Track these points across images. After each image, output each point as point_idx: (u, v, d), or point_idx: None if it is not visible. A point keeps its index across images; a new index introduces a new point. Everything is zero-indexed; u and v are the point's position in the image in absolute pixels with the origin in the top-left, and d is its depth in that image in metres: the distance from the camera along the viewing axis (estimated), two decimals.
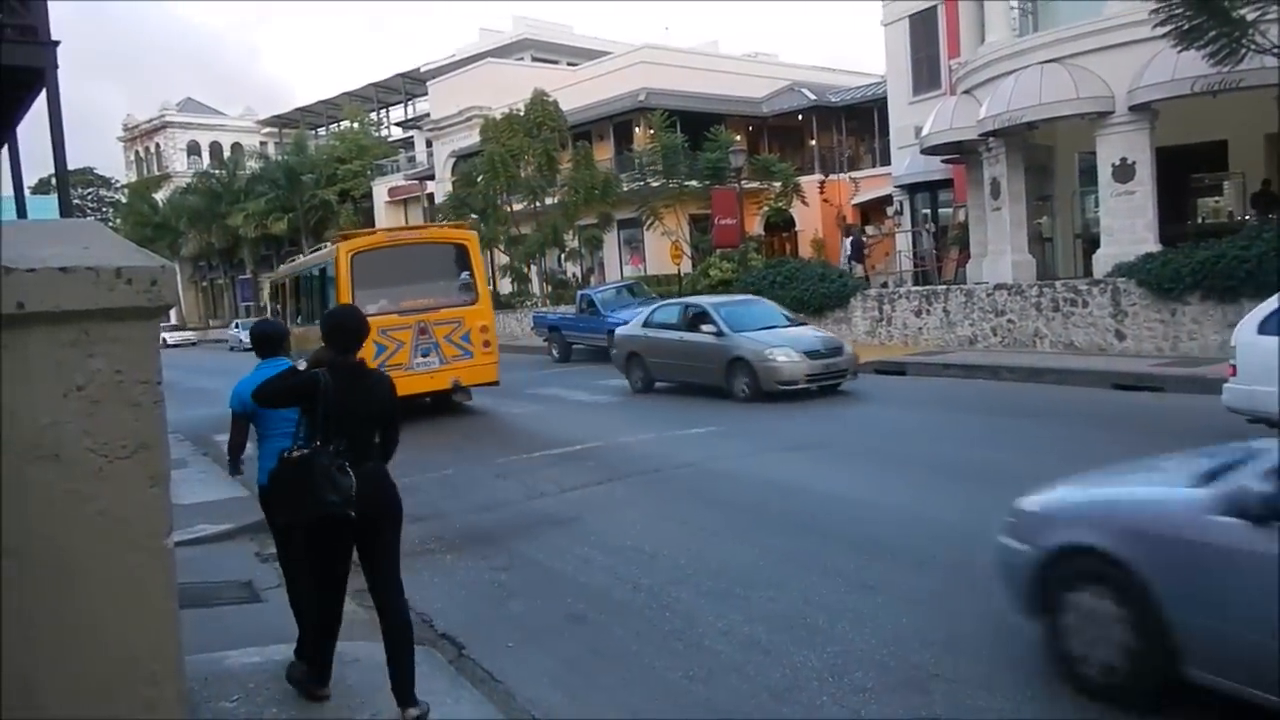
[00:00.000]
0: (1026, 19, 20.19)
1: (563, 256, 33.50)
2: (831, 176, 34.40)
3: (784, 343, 14.51)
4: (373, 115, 61.22)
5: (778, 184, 27.57)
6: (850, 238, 27.81)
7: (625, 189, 30.10)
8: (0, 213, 13.81)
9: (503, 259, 34.05)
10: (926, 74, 26.41)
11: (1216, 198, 20.59)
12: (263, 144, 68.58)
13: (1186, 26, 13.48)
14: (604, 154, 35.32)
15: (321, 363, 4.53)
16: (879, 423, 12.43)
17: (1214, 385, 12.09)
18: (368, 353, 14.67)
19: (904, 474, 9.34)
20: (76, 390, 2.53)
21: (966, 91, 20.50)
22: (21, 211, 11.37)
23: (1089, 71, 16.96)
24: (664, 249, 29.03)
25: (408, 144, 55.49)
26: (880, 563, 6.54)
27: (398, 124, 61.22)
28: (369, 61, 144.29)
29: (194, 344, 52.07)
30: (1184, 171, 18.98)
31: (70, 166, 9.83)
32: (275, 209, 52.74)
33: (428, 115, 47.14)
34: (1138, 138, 16.77)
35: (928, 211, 27.94)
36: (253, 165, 58.54)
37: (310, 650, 4.82)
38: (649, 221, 28.09)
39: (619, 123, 36.46)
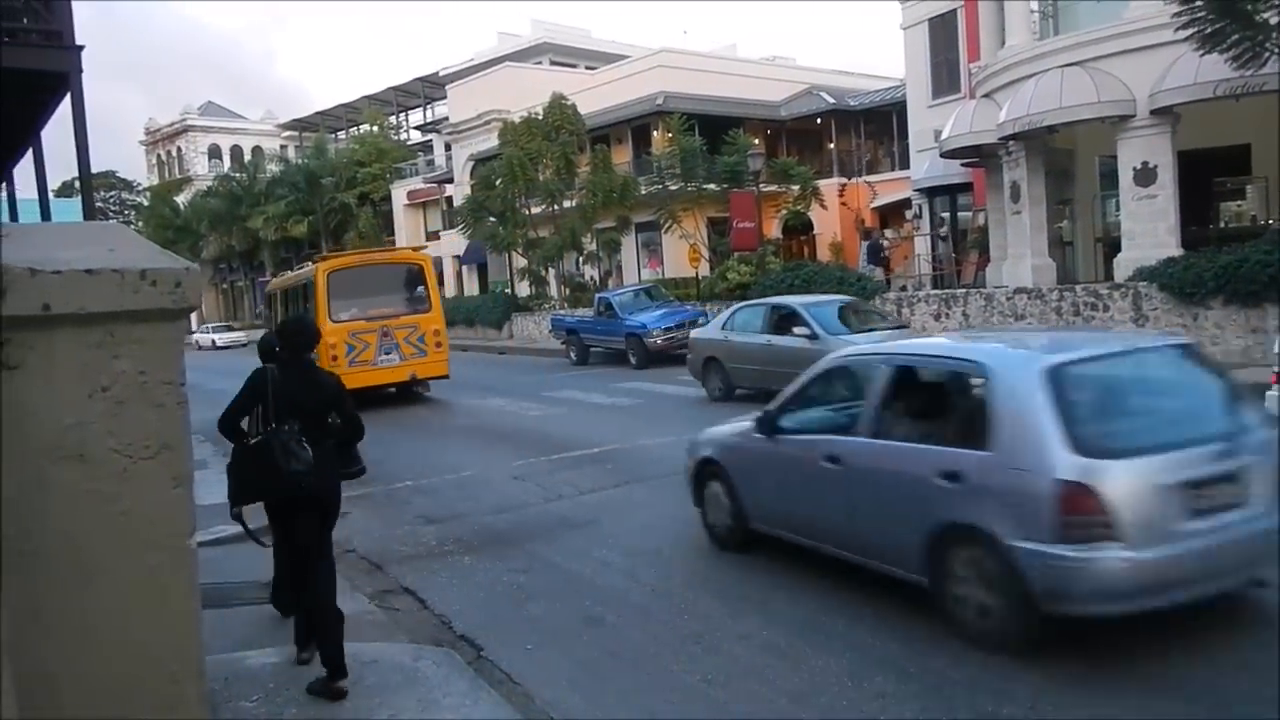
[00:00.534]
0: (1047, 22, 20.09)
1: (580, 259, 33.52)
2: (851, 180, 34.33)
3: None
4: (392, 119, 61.48)
5: (796, 187, 27.51)
6: (868, 241, 27.72)
7: (643, 192, 30.07)
8: (21, 215, 13.96)
9: (520, 262, 34.12)
10: (946, 77, 26.31)
11: (1239, 202, 20.39)
12: (283, 147, 69.01)
13: (1209, 30, 13.38)
14: (622, 157, 35.35)
15: (271, 359, 5.28)
16: None
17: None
18: (340, 351, 16.65)
19: None
20: (101, 391, 2.55)
21: (986, 95, 20.41)
22: (45, 214, 11.48)
23: (1110, 75, 16.86)
24: (682, 252, 29.01)
25: (426, 147, 55.72)
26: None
27: (416, 128, 61.47)
28: (387, 66, 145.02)
29: (244, 344, 51.68)
30: (1206, 175, 18.82)
31: (93, 170, 9.91)
32: (295, 212, 53.01)
33: (446, 119, 47.29)
34: (1159, 141, 16.66)
35: (945, 215, 27.82)
36: (273, 168, 58.90)
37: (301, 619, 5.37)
38: (667, 225, 28.08)
39: (637, 126, 36.47)
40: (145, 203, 70.27)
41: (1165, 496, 4.77)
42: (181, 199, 63.79)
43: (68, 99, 9.18)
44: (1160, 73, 16.06)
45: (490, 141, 37.32)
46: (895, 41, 28.35)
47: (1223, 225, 19.65)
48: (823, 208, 28.80)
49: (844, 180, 34.27)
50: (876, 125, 35.56)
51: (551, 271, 33.61)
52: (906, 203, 30.05)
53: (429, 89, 56.01)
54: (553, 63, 48.69)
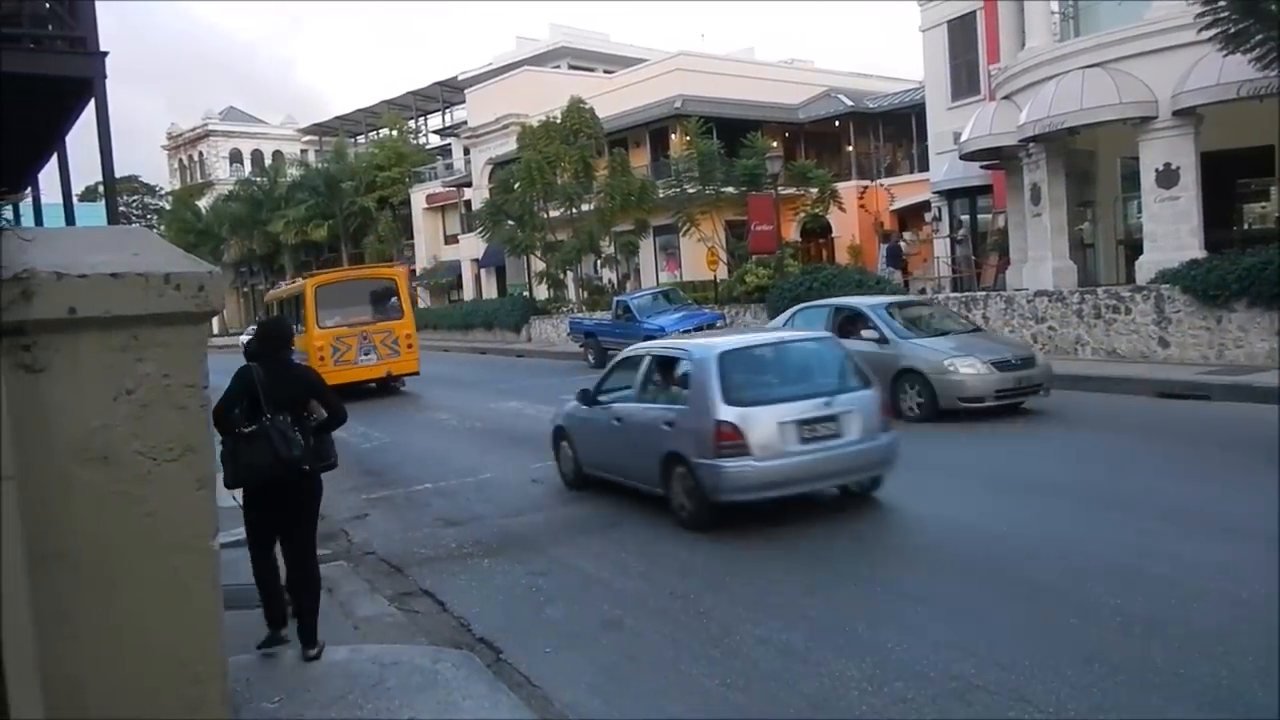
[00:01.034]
0: (1067, 24, 19.97)
1: (599, 263, 33.56)
2: (871, 183, 34.23)
3: (966, 351, 12.41)
4: (411, 123, 61.74)
5: (814, 190, 27.43)
6: (887, 244, 27.61)
7: (661, 195, 30.07)
8: (46, 219, 14.09)
9: (539, 265, 34.18)
10: (965, 79, 26.20)
11: (1263, 203, 20.22)
12: (303, 152, 69.41)
13: (1233, 30, 13.26)
14: (640, 160, 35.37)
15: (255, 358, 5.68)
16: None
17: (1262, 394, 11.95)
18: (327, 352, 19.29)
19: (949, 483, 9.25)
20: (126, 394, 2.57)
21: (1006, 97, 20.30)
22: (70, 218, 11.59)
23: (1132, 76, 16.74)
24: (700, 255, 28.98)
25: (445, 151, 55.93)
26: (919, 571, 6.48)
27: (436, 132, 61.71)
28: (406, 71, 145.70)
29: None
30: (1230, 176, 18.66)
31: (116, 174, 10.00)
32: (315, 216, 53.28)
33: (465, 123, 47.44)
34: (1182, 142, 16.52)
35: (965, 218, 27.70)
36: (293, 173, 59.19)
37: (280, 606, 5.71)
38: (685, 228, 28.06)
39: (655, 129, 36.49)
40: (167, 207, 70.81)
41: (782, 430, 7.70)
42: (203, 203, 64.25)
43: (92, 104, 9.28)
44: (1183, 73, 15.93)
45: (508, 145, 37.43)
46: (914, 44, 28.27)
47: (1246, 227, 19.49)
48: (841, 210, 28.72)
49: (865, 184, 34.19)
50: (895, 128, 35.45)
51: (569, 275, 33.65)
52: (926, 205, 29.94)
53: (448, 93, 56.23)
54: (571, 67, 48.80)
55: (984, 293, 19.83)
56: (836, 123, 36.56)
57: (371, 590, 7.22)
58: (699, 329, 22.10)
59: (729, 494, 7.69)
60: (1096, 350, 16.23)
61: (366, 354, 20.30)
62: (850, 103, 35.87)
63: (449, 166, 52.78)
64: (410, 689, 4.88)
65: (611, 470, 9.46)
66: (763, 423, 7.70)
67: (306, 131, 71.04)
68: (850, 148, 36.33)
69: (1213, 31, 13.48)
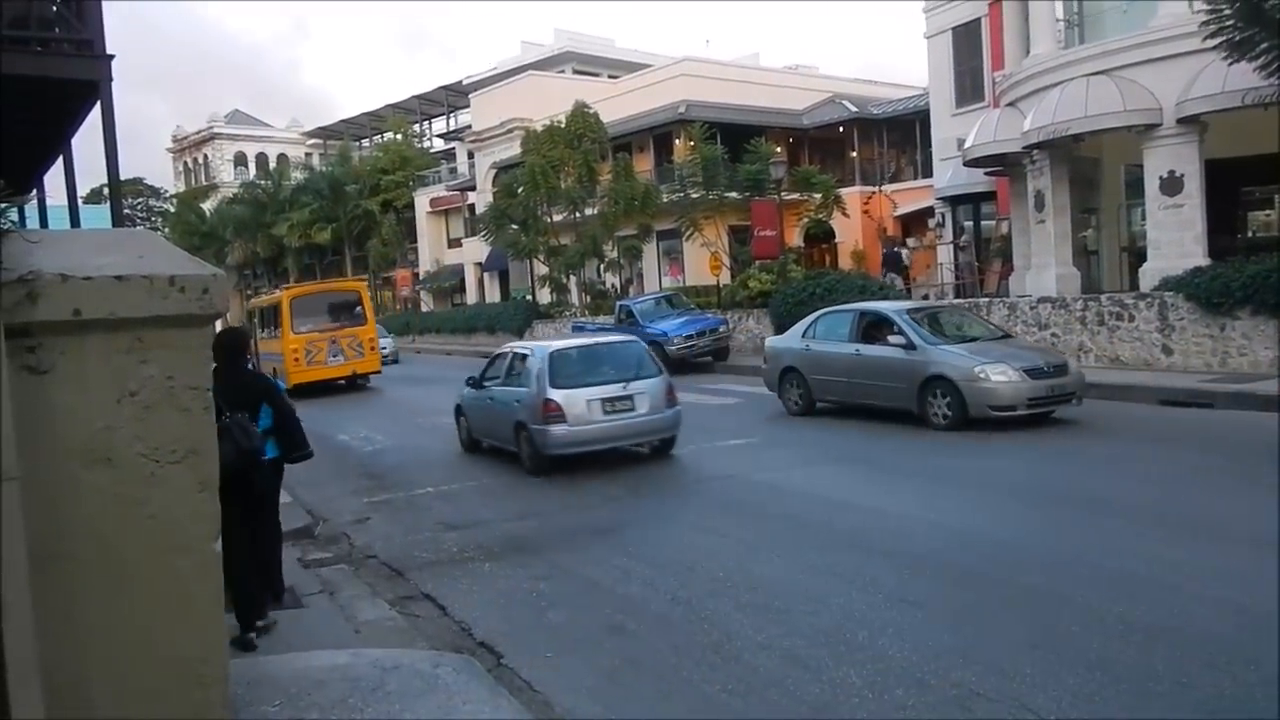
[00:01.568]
0: (1072, 31, 19.98)
1: (602, 267, 33.59)
2: (876, 189, 34.26)
3: (997, 358, 12.13)
4: (415, 127, 61.87)
5: (818, 196, 27.46)
6: (885, 251, 27.71)
7: (665, 200, 30.10)
8: (50, 221, 14.12)
9: (542, 269, 34.21)
10: (970, 86, 26.21)
11: (1267, 211, 20.22)
12: (308, 155, 69.55)
13: (1237, 38, 13.28)
14: (644, 165, 35.39)
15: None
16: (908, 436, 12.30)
17: (1266, 402, 11.94)
18: (301, 354, 22.30)
19: (951, 491, 9.24)
20: (130, 396, 2.58)
21: (1011, 104, 20.31)
22: (75, 220, 11.60)
23: (1136, 84, 16.74)
24: (703, 260, 29.00)
25: (449, 155, 56.02)
26: (922, 578, 6.48)
27: (440, 135, 61.83)
28: (411, 75, 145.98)
29: None
30: (1234, 184, 18.65)
31: (121, 177, 10.02)
32: (319, 219, 53.35)
33: (469, 127, 47.51)
34: (1186, 150, 16.52)
35: (969, 224, 27.72)
36: (298, 176, 59.30)
37: (250, 599, 6.03)
38: (688, 233, 28.08)
39: (659, 134, 36.52)
40: (172, 209, 70.98)
41: (589, 405, 10.96)
42: (207, 206, 64.40)
43: (98, 107, 9.29)
44: (1187, 81, 15.94)
45: (513, 149, 37.48)
46: (919, 49, 28.29)
47: (1251, 235, 19.48)
48: (845, 216, 28.74)
49: (869, 190, 34.22)
50: (899, 134, 35.47)
51: (573, 279, 33.69)
52: (930, 211, 29.96)
53: (452, 97, 56.36)
54: (576, 71, 48.90)
55: (987, 299, 19.83)
56: (840, 128, 36.58)
57: (373, 594, 7.21)
58: (701, 334, 22.15)
59: (552, 449, 11.01)
60: (1100, 357, 16.22)
61: (335, 355, 23.50)
62: (854, 109, 35.90)
63: (453, 170, 52.86)
64: (411, 693, 4.87)
65: (488, 435, 12.90)
66: (576, 400, 11.00)
67: (311, 135, 71.21)
68: (854, 153, 36.34)
69: (1217, 40, 13.51)
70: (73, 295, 2.46)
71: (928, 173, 30.45)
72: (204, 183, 71.83)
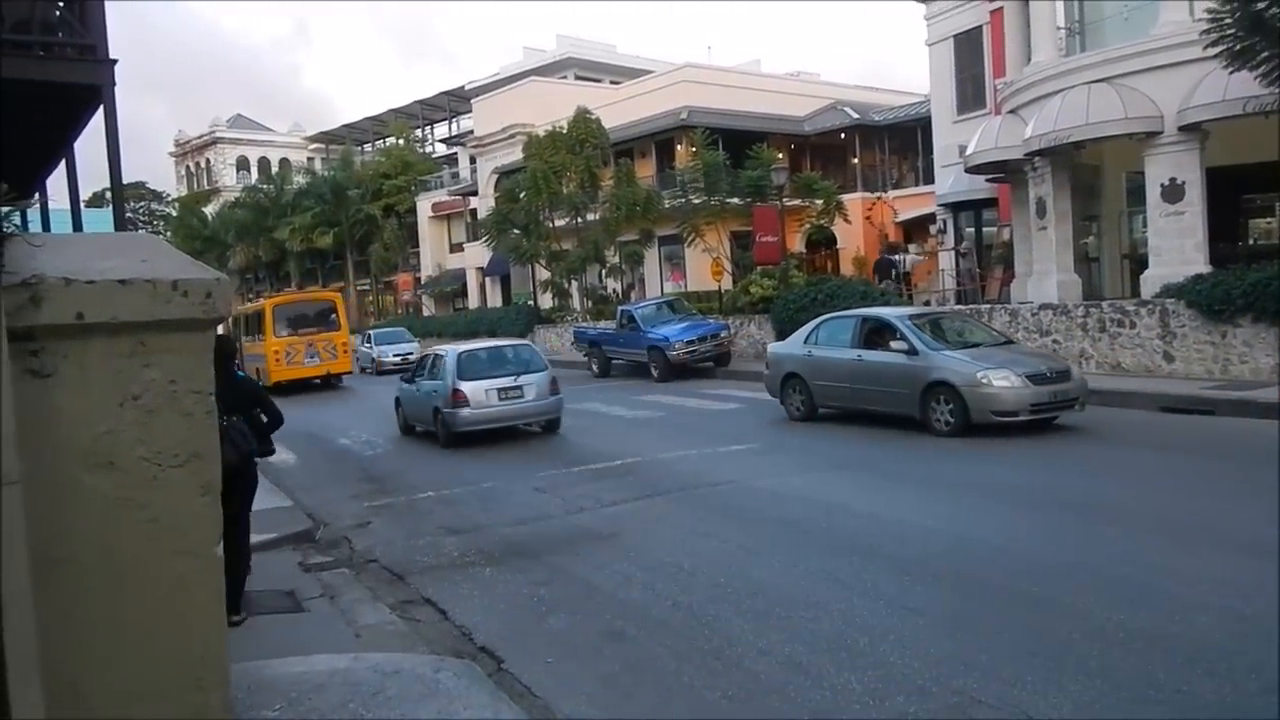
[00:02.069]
0: (1073, 39, 20.01)
1: (604, 272, 33.60)
2: (880, 196, 34.30)
3: (999, 363, 12.15)
4: (417, 132, 61.96)
5: (819, 202, 27.49)
6: (878, 258, 27.82)
7: (666, 206, 30.12)
8: (53, 225, 14.13)
9: (544, 274, 34.23)
10: (971, 93, 26.24)
11: (1269, 219, 20.23)
12: (310, 160, 69.65)
13: (1238, 47, 13.30)
14: (646, 171, 35.43)
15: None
16: (911, 444, 12.29)
17: (1266, 409, 11.94)
18: (281, 356, 24.77)
19: (952, 497, 9.24)
20: (132, 399, 2.58)
21: (1012, 111, 20.34)
22: (77, 224, 11.62)
23: (1137, 91, 16.77)
24: (705, 265, 29.01)
25: (451, 160, 56.06)
26: (923, 584, 6.47)
27: (442, 140, 61.92)
28: (414, 80, 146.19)
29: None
30: (1235, 192, 18.67)
31: (124, 181, 10.03)
32: (321, 223, 53.41)
33: (471, 132, 47.58)
34: (1187, 158, 16.54)
35: (970, 230, 27.74)
36: (300, 180, 59.39)
37: (238, 586, 6.50)
38: (690, 238, 28.10)
39: (661, 140, 36.56)
40: (174, 213, 71.06)
41: (487, 393, 14.15)
42: (209, 210, 64.46)
43: (100, 111, 9.32)
44: (1188, 89, 15.97)
45: (515, 155, 37.51)
46: (920, 56, 28.35)
47: (1252, 242, 19.49)
48: (846, 222, 28.78)
49: (872, 196, 34.24)
50: (901, 140, 35.52)
51: (574, 284, 33.69)
52: (931, 218, 29.99)
53: (454, 102, 56.43)
54: (577, 77, 48.94)
55: (989, 306, 19.83)
56: (842, 135, 36.62)
57: (373, 598, 7.22)
58: (703, 339, 22.17)
59: (459, 427, 14.28)
60: (1101, 364, 16.22)
61: (311, 357, 26.40)
62: (856, 115, 35.94)
63: (455, 175, 52.92)
64: (411, 698, 4.87)
65: (417, 420, 15.98)
66: (477, 390, 14.27)
67: (313, 139, 71.31)
68: (856, 160, 36.38)
69: (1218, 48, 13.53)
70: (76, 299, 2.46)
71: (929, 179, 30.47)
72: (206, 187, 71.94)
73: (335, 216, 53.00)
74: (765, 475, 10.61)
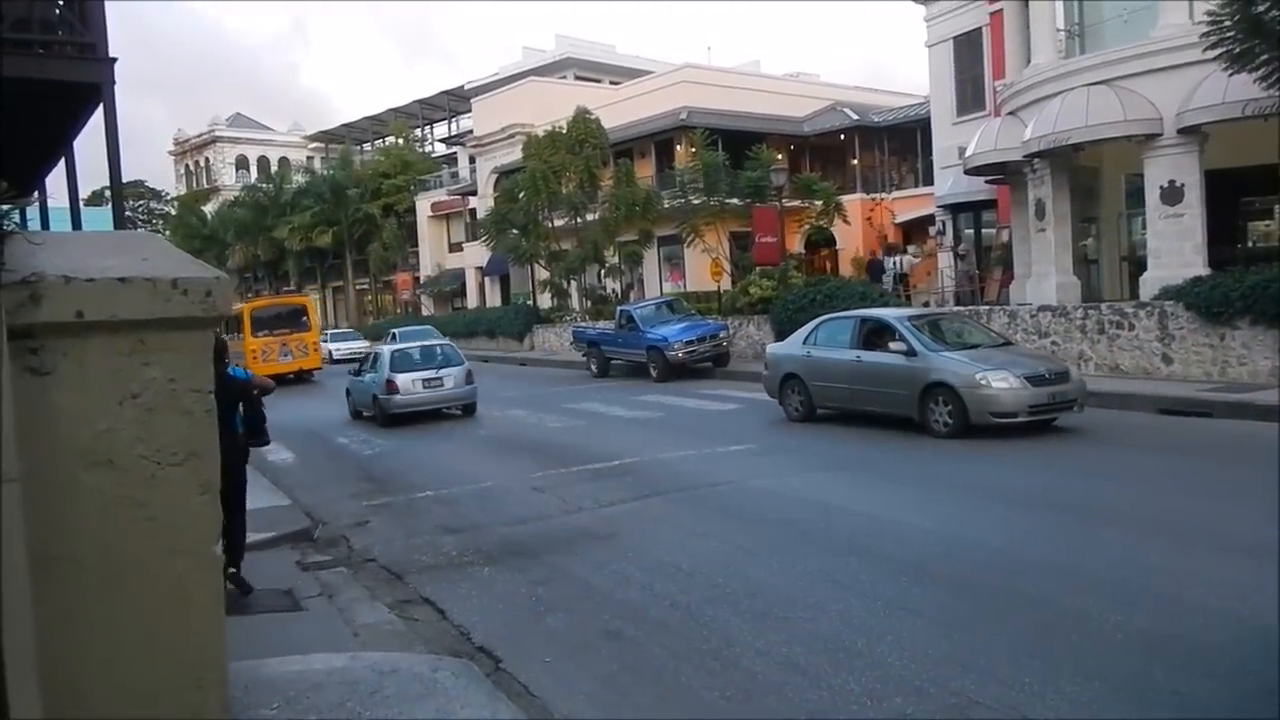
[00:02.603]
0: (1073, 41, 20.02)
1: (603, 272, 33.61)
2: (882, 198, 34.32)
3: (998, 365, 12.13)
4: (417, 131, 61.96)
5: (819, 203, 27.51)
6: (870, 259, 27.86)
7: (666, 206, 30.13)
8: (52, 224, 14.13)
9: (543, 274, 34.24)
10: (970, 95, 26.26)
11: (1267, 221, 20.24)
12: (309, 159, 69.65)
13: (1238, 50, 13.31)
14: (645, 171, 35.43)
15: None
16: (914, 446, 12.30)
17: (1264, 411, 11.95)
18: (258, 353, 29.85)
19: (950, 498, 9.24)
20: (131, 398, 2.58)
21: (1012, 113, 20.35)
22: (76, 223, 11.62)
23: (1137, 94, 16.78)
24: (704, 266, 29.03)
25: (451, 160, 56.08)
26: (921, 585, 6.47)
27: (441, 140, 61.92)
28: (414, 80, 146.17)
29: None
30: (1234, 194, 18.67)
31: (123, 179, 10.03)
32: (320, 222, 53.43)
33: (471, 132, 47.58)
34: (1186, 160, 16.56)
35: (969, 232, 27.76)
36: (299, 179, 59.41)
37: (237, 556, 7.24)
38: (689, 238, 28.11)
39: (660, 140, 36.57)
40: (173, 212, 71.06)
41: (414, 383, 17.74)
42: (209, 209, 64.47)
43: (100, 110, 9.31)
44: (1188, 92, 15.98)
45: (514, 154, 37.53)
46: (919, 56, 28.37)
47: (1250, 245, 19.50)
48: (845, 223, 28.80)
49: (872, 198, 34.27)
50: (900, 141, 35.53)
51: (573, 284, 33.71)
52: (931, 219, 30.01)
53: (454, 102, 56.44)
54: (577, 77, 48.95)
55: (988, 307, 19.84)
56: (841, 136, 36.64)
57: (371, 597, 7.22)
58: (701, 339, 22.18)
59: (392, 410, 17.52)
60: (1100, 365, 16.23)
61: (285, 355, 29.17)
62: (855, 116, 35.96)
63: (454, 175, 52.93)
64: (409, 697, 4.87)
65: (361, 405, 19.08)
66: (406, 380, 17.70)
67: (313, 139, 71.31)
68: (855, 161, 36.39)
69: (1218, 51, 13.54)
70: (76, 297, 2.46)
71: (929, 180, 30.49)
72: (205, 186, 71.93)
73: (334, 216, 53.02)
74: (764, 476, 10.61)
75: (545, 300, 35.54)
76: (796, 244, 31.63)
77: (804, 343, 14.70)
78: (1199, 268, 16.04)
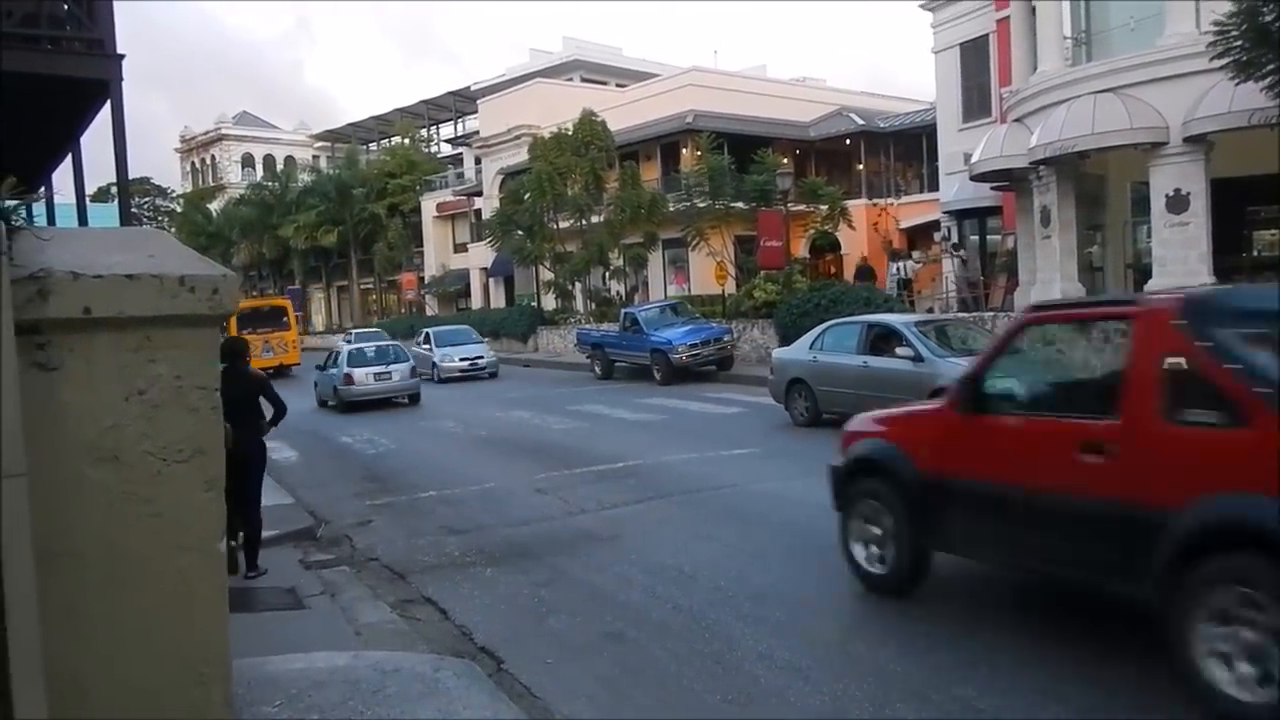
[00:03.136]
0: (1080, 49, 20.00)
1: (607, 275, 33.60)
2: (891, 203, 34.29)
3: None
4: (423, 132, 61.98)
5: (824, 207, 27.49)
6: (859, 265, 27.77)
7: (671, 209, 30.12)
8: (58, 219, 14.14)
9: (547, 275, 34.25)
10: (977, 101, 26.24)
11: (1273, 230, 20.20)
12: (315, 158, 69.72)
13: (1244, 59, 13.30)
14: (651, 174, 35.41)
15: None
16: None
17: None
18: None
19: None
20: (138, 394, 2.58)
21: (1018, 119, 20.33)
22: (83, 219, 11.65)
23: (1143, 102, 16.76)
24: (709, 269, 29.02)
25: (456, 160, 56.06)
26: (924, 591, 6.46)
27: (447, 141, 61.91)
28: (420, 80, 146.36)
29: None
30: (1239, 203, 18.63)
31: (129, 176, 10.05)
32: (325, 221, 53.43)
33: (477, 133, 47.59)
34: (1192, 169, 16.53)
35: (975, 238, 27.71)
36: (304, 178, 59.41)
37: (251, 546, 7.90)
38: (694, 242, 28.10)
39: (666, 143, 36.55)
40: (178, 209, 71.14)
41: (367, 375, 21.53)
42: (214, 206, 64.50)
43: (107, 106, 9.33)
44: (1194, 101, 15.96)
45: (520, 156, 37.54)
46: (926, 62, 28.36)
47: (1256, 254, 19.46)
48: (851, 228, 28.77)
49: (879, 203, 34.22)
50: (906, 147, 35.49)
51: (578, 286, 33.70)
52: (936, 225, 29.97)
53: (460, 103, 56.45)
54: (584, 80, 48.95)
55: (992, 313, 19.82)
56: (847, 141, 36.60)
57: (374, 597, 7.22)
58: (706, 343, 22.18)
59: (348, 398, 21.00)
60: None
61: (266, 351, 31.53)
62: (861, 121, 35.93)
63: (460, 175, 52.91)
64: (411, 697, 4.87)
65: (325, 396, 22.34)
66: (360, 373, 21.20)
67: (319, 137, 71.37)
68: (860, 166, 36.37)
69: (1224, 60, 13.54)
70: (83, 293, 2.47)
71: (934, 186, 30.45)
72: (211, 183, 72.02)
73: (340, 215, 53.03)
74: (767, 479, 10.60)
75: (550, 302, 35.53)
76: (801, 248, 31.60)
77: (810, 347, 14.68)
78: (1204, 276, 16.01)
